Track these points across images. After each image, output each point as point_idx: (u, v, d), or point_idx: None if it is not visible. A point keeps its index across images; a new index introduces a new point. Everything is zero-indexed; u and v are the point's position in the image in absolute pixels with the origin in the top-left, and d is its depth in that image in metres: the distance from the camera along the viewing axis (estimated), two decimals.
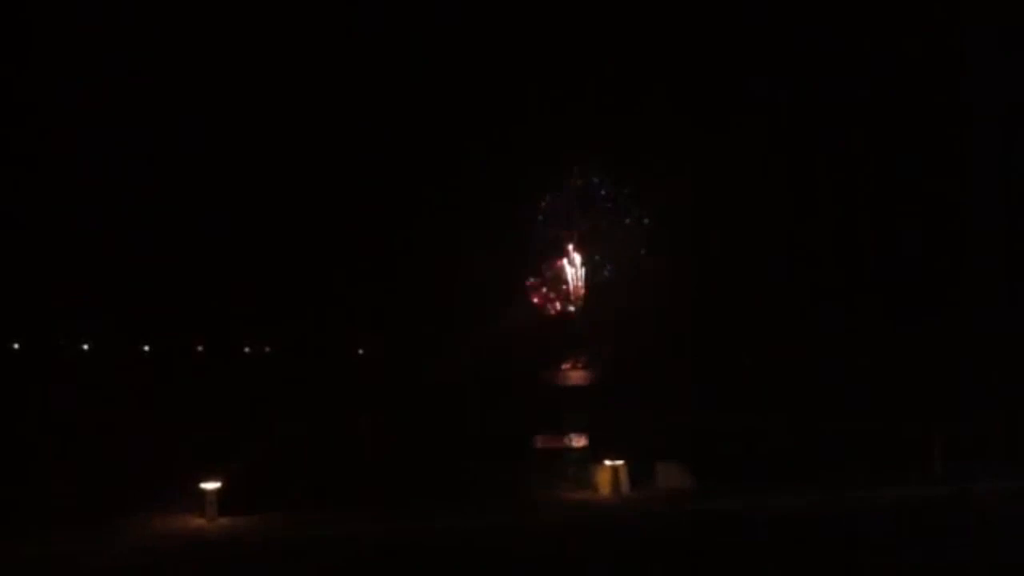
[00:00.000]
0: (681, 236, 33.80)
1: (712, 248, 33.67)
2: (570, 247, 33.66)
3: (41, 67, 31.84)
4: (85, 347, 34.36)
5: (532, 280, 34.10)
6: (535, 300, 34.17)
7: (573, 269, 33.44)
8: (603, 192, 34.82)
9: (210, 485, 22.21)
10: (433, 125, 33.42)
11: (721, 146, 33.15)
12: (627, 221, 33.90)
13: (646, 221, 33.64)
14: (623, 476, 26.02)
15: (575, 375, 35.98)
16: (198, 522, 21.87)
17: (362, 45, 32.77)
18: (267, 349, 36.84)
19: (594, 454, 27.51)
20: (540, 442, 31.31)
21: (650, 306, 34.05)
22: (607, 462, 26.03)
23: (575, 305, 33.28)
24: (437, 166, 33.37)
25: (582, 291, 33.37)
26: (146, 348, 35.08)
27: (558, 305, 34.20)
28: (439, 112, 33.57)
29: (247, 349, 36.73)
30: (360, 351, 37.17)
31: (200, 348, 35.79)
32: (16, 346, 33.29)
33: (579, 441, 30.74)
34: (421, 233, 33.17)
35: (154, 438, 26.01)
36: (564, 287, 33.95)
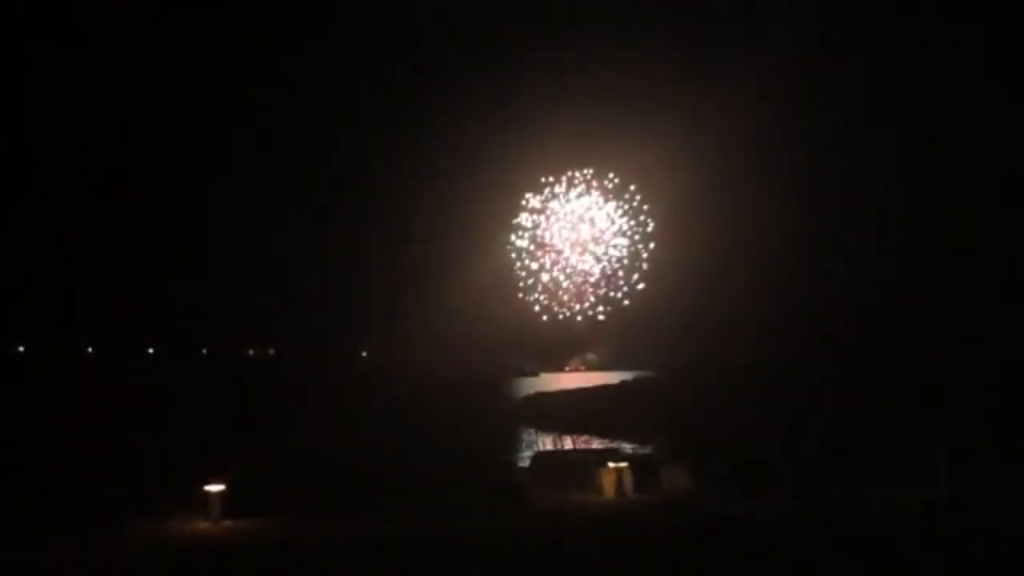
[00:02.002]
0: (687, 234, 33.88)
1: (712, 247, 33.72)
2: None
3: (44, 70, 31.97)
4: (89, 350, 34.34)
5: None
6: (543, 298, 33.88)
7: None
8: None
9: (214, 488, 22.26)
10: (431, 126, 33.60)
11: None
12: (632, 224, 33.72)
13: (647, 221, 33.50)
14: (627, 478, 26.03)
15: (577, 377, 35.94)
16: (202, 524, 21.90)
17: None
18: (271, 352, 36.75)
19: (599, 457, 27.53)
20: (544, 445, 31.34)
21: (652, 307, 34.07)
22: (611, 464, 26.05)
23: (581, 302, 33.16)
24: (435, 166, 33.51)
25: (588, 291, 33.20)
26: (150, 351, 35.05)
27: (564, 299, 33.93)
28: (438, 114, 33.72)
29: (251, 352, 36.68)
30: (364, 354, 37.14)
31: (204, 351, 35.72)
32: (21, 349, 33.32)
33: (585, 444, 30.76)
34: (422, 236, 33.31)
35: (158, 441, 26.06)
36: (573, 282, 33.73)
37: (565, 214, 33.23)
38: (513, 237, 33.08)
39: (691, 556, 18.42)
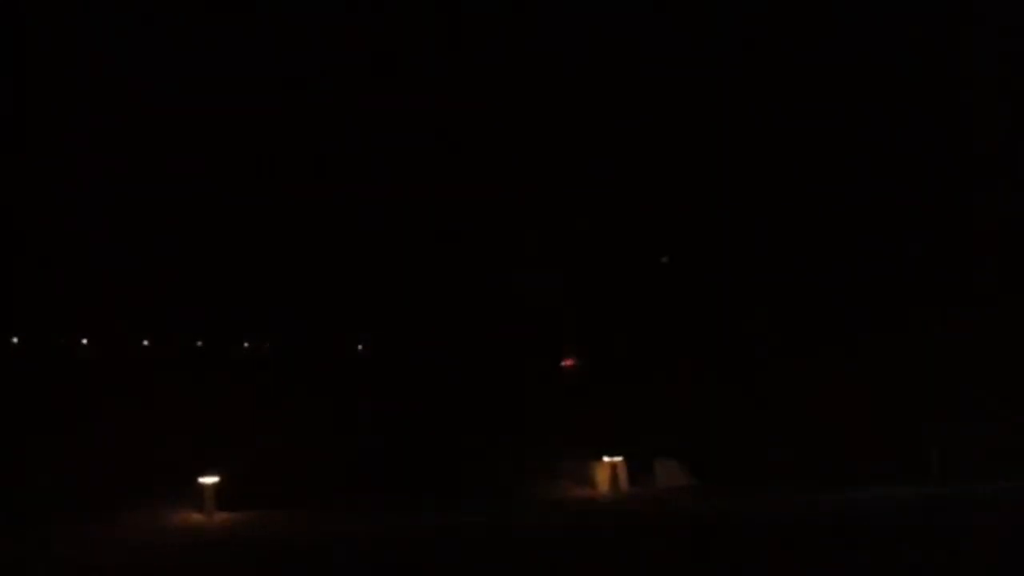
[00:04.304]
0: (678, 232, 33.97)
1: (708, 244, 33.80)
2: None
3: (40, 66, 31.85)
4: (84, 341, 34.34)
5: None
6: None
7: None
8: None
9: (208, 480, 22.24)
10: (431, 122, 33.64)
11: (715, 141, 33.50)
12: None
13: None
14: (621, 473, 26.09)
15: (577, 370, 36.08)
16: (196, 517, 21.90)
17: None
18: (266, 344, 36.83)
19: (593, 451, 27.52)
20: (539, 439, 31.24)
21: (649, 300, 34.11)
22: (605, 459, 26.10)
23: None
24: (433, 160, 33.55)
25: None
26: (144, 343, 35.04)
27: None
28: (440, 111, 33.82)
29: (246, 344, 36.76)
30: (359, 347, 37.16)
31: (199, 343, 35.77)
32: (15, 340, 33.24)
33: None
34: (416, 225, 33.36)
35: (153, 433, 25.99)
36: None
37: None
38: None
39: (689, 553, 18.46)
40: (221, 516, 21.90)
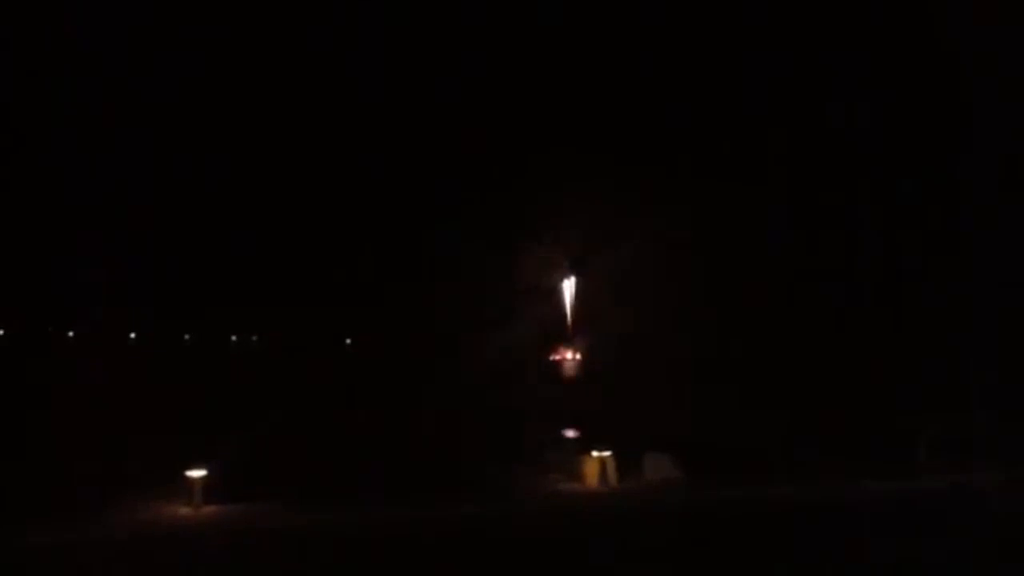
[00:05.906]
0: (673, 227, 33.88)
1: (703, 240, 33.83)
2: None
3: (37, 60, 31.67)
4: (71, 334, 34.12)
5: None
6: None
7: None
8: None
9: (196, 473, 22.04)
10: (435, 122, 33.58)
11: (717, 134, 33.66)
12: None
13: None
14: (611, 467, 25.99)
15: (567, 365, 35.95)
16: (183, 510, 21.72)
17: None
18: (254, 337, 36.59)
19: (583, 445, 27.44)
20: (528, 433, 31.20)
21: (639, 291, 34.09)
22: (595, 453, 25.99)
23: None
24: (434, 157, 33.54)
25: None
26: (132, 335, 34.82)
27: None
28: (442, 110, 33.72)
29: (234, 337, 36.54)
30: (348, 340, 36.98)
31: (187, 336, 35.56)
32: (1, 332, 33.05)
33: (569, 432, 30.59)
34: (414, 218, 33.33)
35: (140, 425, 25.81)
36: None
37: None
38: None
39: (679, 547, 18.42)
40: (208, 509, 21.73)
